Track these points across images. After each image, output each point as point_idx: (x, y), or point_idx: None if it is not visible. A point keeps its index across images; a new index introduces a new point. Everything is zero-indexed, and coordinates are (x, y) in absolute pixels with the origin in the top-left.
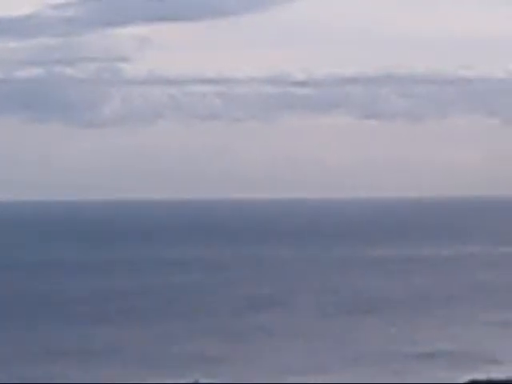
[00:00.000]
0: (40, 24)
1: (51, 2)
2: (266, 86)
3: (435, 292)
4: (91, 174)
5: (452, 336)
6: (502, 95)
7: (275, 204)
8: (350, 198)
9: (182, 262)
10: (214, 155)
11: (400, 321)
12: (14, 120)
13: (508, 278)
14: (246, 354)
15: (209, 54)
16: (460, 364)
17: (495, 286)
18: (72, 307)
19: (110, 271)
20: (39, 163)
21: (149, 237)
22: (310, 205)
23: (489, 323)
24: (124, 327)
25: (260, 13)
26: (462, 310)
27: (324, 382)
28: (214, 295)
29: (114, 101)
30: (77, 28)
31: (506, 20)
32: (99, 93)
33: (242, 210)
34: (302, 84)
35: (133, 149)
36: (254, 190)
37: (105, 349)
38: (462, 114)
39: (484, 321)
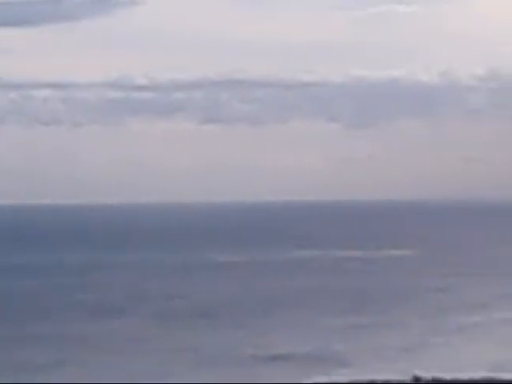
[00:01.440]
0: None
1: None
2: (108, 91)
3: (278, 295)
4: None
5: (297, 339)
6: (342, 100)
7: (118, 209)
8: (191, 203)
9: (22, 267)
10: (56, 160)
11: (246, 324)
12: None
13: (346, 283)
14: (89, 359)
15: (51, 59)
16: (305, 367)
17: (335, 290)
18: None
19: None
20: None
21: None
22: (154, 209)
23: (332, 326)
24: None
25: (102, 17)
26: (305, 313)
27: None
28: (54, 301)
29: None
30: None
31: (342, 24)
32: None
33: (85, 215)
34: (144, 88)
35: None
36: (97, 194)
37: None
38: (302, 118)
39: (327, 324)
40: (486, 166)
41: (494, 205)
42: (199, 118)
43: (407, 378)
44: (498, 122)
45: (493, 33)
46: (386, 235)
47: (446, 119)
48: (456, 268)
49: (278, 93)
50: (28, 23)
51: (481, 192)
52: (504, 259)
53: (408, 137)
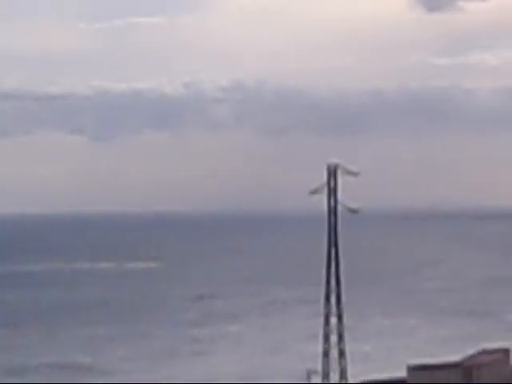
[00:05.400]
0: None
1: None
2: None
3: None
4: None
5: (56, 349)
6: (86, 112)
7: None
8: None
9: None
10: None
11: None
12: None
13: (98, 295)
14: None
15: None
16: (69, 376)
17: (89, 302)
18: None
19: None
20: None
21: None
22: None
23: (86, 337)
24: None
25: None
26: (58, 325)
27: None
28: None
29: None
30: None
31: (86, 36)
32: None
33: None
34: None
35: None
36: None
37: None
38: (46, 130)
39: (78, 334)
40: (228, 178)
41: (235, 216)
42: None
43: None
44: (241, 133)
45: (232, 46)
46: (132, 247)
47: (191, 131)
48: (209, 278)
49: (23, 104)
50: None
51: (225, 204)
52: (257, 269)
53: (152, 149)
